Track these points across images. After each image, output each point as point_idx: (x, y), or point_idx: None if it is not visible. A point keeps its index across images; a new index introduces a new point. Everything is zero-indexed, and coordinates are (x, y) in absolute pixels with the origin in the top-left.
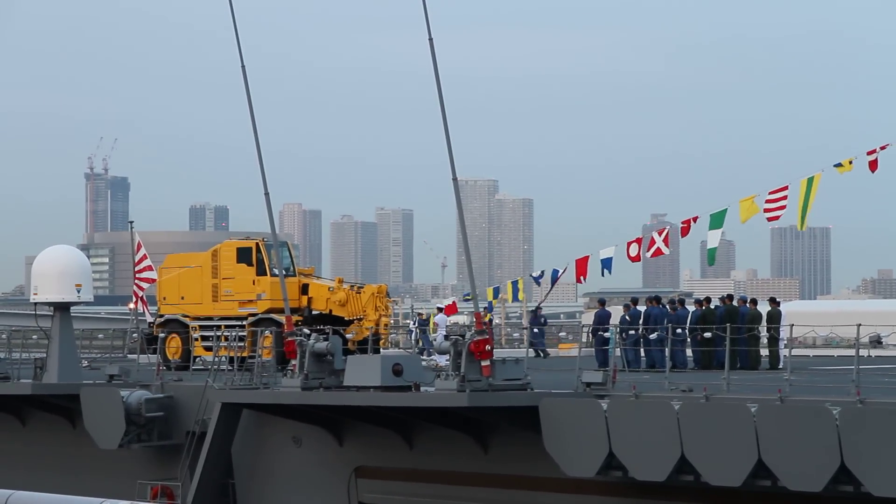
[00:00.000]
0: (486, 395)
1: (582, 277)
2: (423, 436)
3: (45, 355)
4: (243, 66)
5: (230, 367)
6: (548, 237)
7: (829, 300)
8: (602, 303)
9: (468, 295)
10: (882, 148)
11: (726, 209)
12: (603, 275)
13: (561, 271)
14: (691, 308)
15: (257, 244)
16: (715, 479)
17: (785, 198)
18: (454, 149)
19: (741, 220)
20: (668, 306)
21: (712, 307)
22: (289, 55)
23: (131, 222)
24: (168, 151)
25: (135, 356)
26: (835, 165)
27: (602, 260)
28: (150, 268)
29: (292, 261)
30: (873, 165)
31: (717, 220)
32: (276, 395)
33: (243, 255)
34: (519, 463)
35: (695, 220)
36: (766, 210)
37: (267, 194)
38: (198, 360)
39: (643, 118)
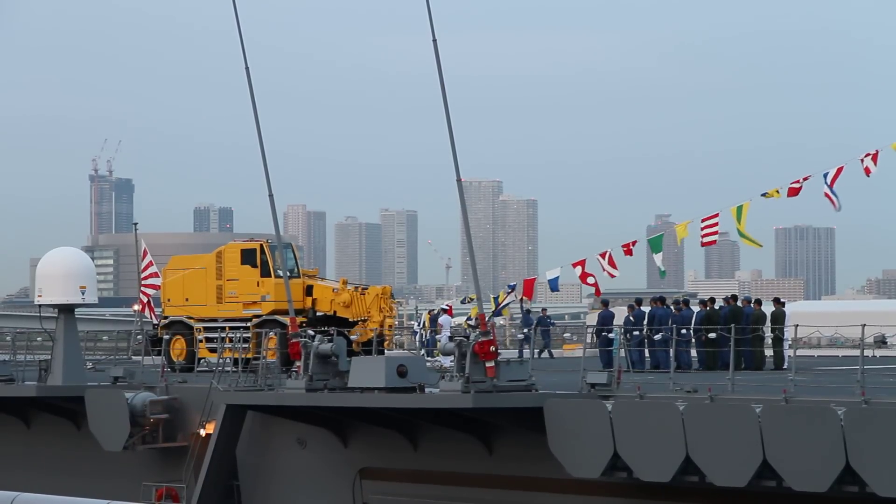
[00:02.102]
0: (490, 397)
1: (525, 297)
2: (427, 437)
3: (49, 357)
4: (247, 68)
5: (235, 369)
6: (552, 238)
7: (833, 300)
8: (606, 304)
9: (464, 300)
10: (804, 179)
11: (662, 234)
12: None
13: (510, 289)
14: (696, 308)
15: (261, 245)
16: (720, 479)
17: (717, 224)
18: (458, 150)
19: (677, 243)
20: (672, 307)
21: (716, 308)
22: (293, 56)
23: (135, 224)
24: (172, 153)
25: (139, 358)
26: (762, 195)
27: (549, 280)
28: (155, 274)
29: (296, 262)
30: (792, 192)
31: (656, 245)
32: (281, 396)
33: (247, 257)
34: (523, 464)
35: (633, 244)
36: (702, 234)
37: (271, 196)
38: (202, 361)
39: (646, 118)
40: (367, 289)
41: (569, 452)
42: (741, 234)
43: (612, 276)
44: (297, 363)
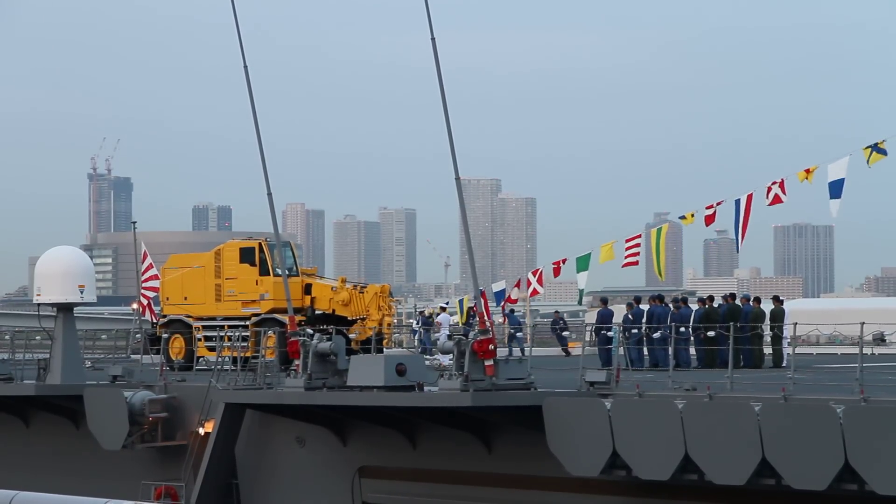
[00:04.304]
0: (489, 395)
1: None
2: (426, 435)
3: (48, 356)
4: (245, 67)
5: (233, 368)
6: (551, 236)
7: (832, 298)
8: (605, 302)
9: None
10: (718, 204)
11: (590, 253)
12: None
13: (436, 307)
14: (694, 307)
15: (260, 244)
16: (719, 477)
17: (638, 245)
18: (457, 147)
19: (600, 262)
20: (671, 305)
21: (715, 306)
22: (291, 52)
23: (134, 223)
24: (171, 151)
25: (138, 356)
26: (679, 217)
27: (495, 293)
28: (155, 276)
29: (295, 261)
30: (709, 219)
31: (582, 263)
32: (280, 395)
33: (246, 256)
34: (523, 462)
35: (563, 261)
36: (626, 255)
37: (270, 194)
38: (201, 360)
39: (645, 114)
40: (365, 287)
41: (568, 451)
42: (656, 258)
43: (536, 293)
44: (296, 362)
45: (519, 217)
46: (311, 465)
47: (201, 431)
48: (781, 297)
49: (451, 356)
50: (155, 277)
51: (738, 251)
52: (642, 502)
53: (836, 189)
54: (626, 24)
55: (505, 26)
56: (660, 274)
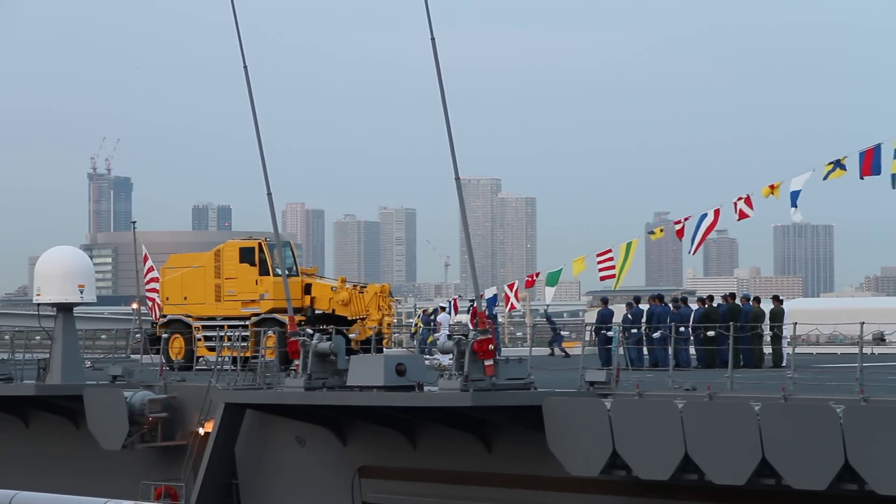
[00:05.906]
0: (489, 395)
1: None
2: (426, 435)
3: (48, 356)
4: (245, 67)
5: (233, 368)
6: (551, 235)
7: (832, 298)
8: (605, 301)
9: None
10: (686, 219)
11: (561, 269)
12: None
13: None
14: (694, 306)
15: (260, 244)
16: (719, 477)
17: (611, 258)
18: (457, 146)
19: (573, 274)
20: (670, 304)
21: (715, 305)
22: (292, 52)
23: (134, 222)
24: (171, 150)
25: (138, 356)
26: (648, 233)
27: (487, 299)
28: (157, 279)
29: (295, 260)
30: (680, 234)
31: (552, 279)
32: (280, 395)
33: (246, 255)
34: (522, 462)
35: (537, 275)
36: (599, 269)
37: (269, 194)
38: (201, 360)
39: (646, 112)
40: (365, 287)
41: (568, 451)
42: (620, 271)
43: (514, 308)
44: (296, 362)
45: (519, 217)
46: (311, 465)
47: (201, 431)
48: (781, 297)
49: (451, 356)
50: (156, 280)
51: (690, 253)
52: (642, 502)
53: (794, 199)
54: (626, 22)
55: (504, 25)
56: (617, 283)
